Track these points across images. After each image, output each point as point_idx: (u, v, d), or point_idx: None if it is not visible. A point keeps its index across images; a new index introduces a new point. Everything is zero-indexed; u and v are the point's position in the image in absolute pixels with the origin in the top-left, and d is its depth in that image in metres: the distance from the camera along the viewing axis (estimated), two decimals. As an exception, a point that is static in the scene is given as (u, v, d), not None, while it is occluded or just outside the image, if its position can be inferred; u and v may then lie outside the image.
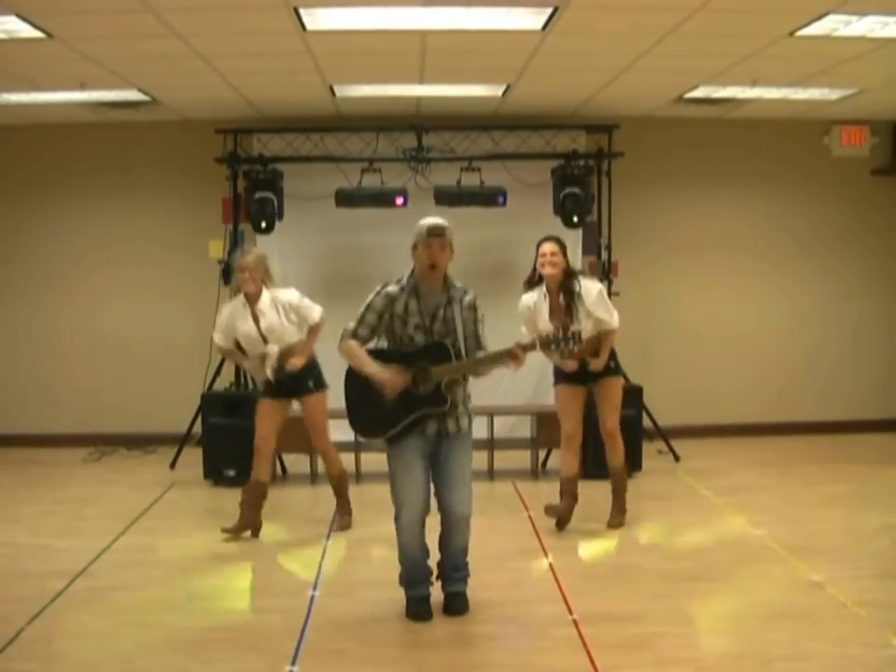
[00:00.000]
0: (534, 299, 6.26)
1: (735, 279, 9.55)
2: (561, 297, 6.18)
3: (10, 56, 6.48)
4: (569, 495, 6.30)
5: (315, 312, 6.30)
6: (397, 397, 4.67)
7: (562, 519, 6.28)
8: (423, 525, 4.78)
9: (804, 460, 8.56)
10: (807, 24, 5.92)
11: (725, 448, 9.03)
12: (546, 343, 4.72)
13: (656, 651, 4.34)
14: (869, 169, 9.58)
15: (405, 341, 4.72)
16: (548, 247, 6.22)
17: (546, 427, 8.14)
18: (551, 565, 5.64)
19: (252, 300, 6.22)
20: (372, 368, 4.70)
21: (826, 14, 5.70)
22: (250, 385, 8.48)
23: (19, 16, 5.57)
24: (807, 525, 6.42)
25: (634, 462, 7.15)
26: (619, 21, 5.98)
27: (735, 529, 6.36)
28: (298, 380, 6.24)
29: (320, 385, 6.38)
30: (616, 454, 6.36)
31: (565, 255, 6.25)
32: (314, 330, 6.32)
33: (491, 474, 7.93)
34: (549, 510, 6.39)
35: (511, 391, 8.89)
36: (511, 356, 4.63)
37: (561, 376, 6.31)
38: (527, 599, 5.08)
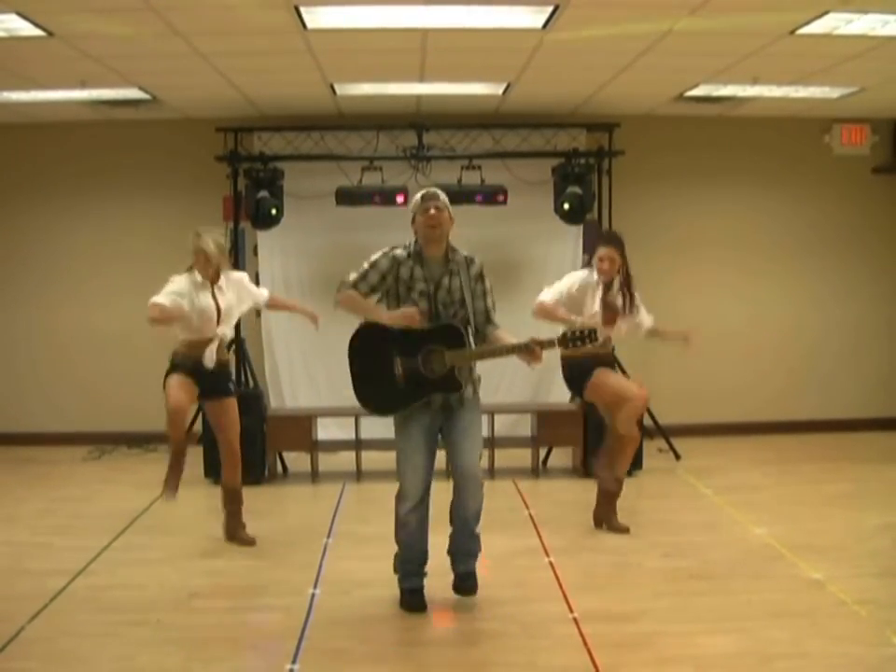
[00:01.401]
0: (591, 279, 6.18)
1: (736, 277, 9.55)
2: (619, 294, 6.19)
3: (11, 54, 6.48)
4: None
5: (261, 291, 6.32)
6: (407, 378, 4.64)
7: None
8: (426, 507, 4.77)
9: (804, 459, 8.57)
10: (808, 23, 5.92)
11: (726, 447, 9.03)
12: (564, 342, 4.68)
13: (657, 650, 4.34)
14: (869, 167, 9.58)
15: (409, 306, 4.69)
16: (604, 252, 6.14)
17: (546, 426, 8.15)
18: (551, 563, 5.64)
19: (211, 280, 5.90)
20: (380, 311, 4.71)
21: (827, 12, 5.70)
22: (250, 383, 8.50)
23: (19, 14, 5.57)
24: (808, 523, 6.42)
25: (634, 461, 7.12)
26: (619, 20, 5.97)
27: (736, 528, 6.36)
28: (220, 380, 5.98)
29: (235, 389, 6.29)
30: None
31: (623, 256, 6.16)
32: (280, 301, 6.45)
33: (492, 473, 7.93)
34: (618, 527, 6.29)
35: (511, 390, 8.90)
36: (528, 351, 4.60)
37: (590, 365, 6.13)
38: (528, 598, 5.08)
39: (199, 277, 5.88)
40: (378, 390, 4.75)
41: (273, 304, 6.39)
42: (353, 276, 4.77)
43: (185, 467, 5.89)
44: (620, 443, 6.18)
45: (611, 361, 6.40)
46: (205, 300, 5.86)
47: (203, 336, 5.83)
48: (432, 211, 4.69)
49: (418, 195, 4.81)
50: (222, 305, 5.90)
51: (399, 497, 4.78)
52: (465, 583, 4.89)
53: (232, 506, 6.11)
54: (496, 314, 4.86)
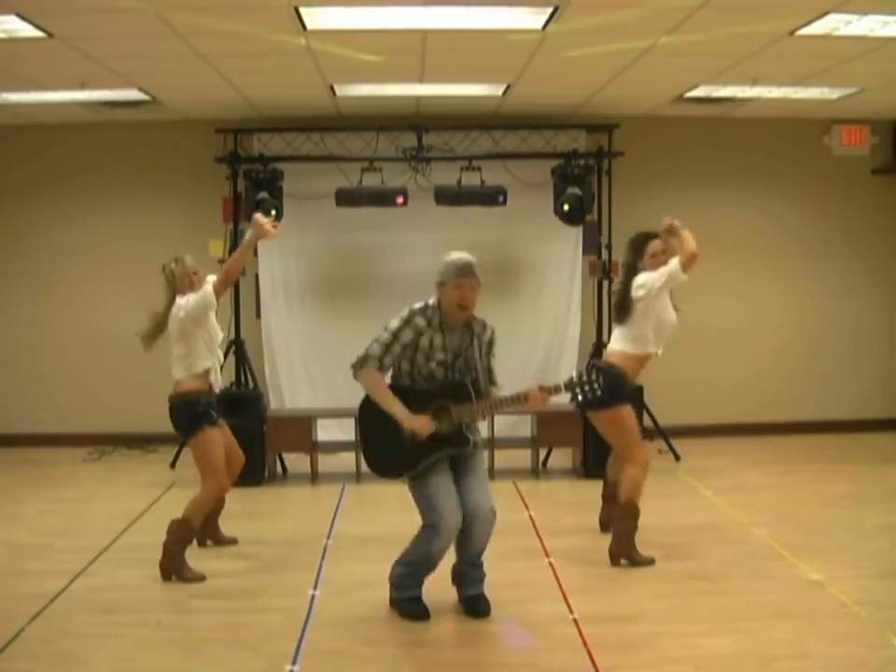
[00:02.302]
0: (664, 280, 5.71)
1: (736, 278, 9.55)
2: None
3: (11, 55, 6.48)
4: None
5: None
6: (417, 438, 4.60)
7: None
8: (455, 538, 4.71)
9: (804, 459, 8.57)
10: (808, 23, 5.92)
11: (726, 447, 9.03)
12: (571, 387, 4.68)
13: (656, 651, 4.34)
14: (869, 168, 9.59)
15: (423, 374, 4.65)
16: (657, 245, 5.85)
17: (546, 427, 8.15)
18: (551, 564, 5.64)
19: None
20: (399, 410, 4.59)
21: (826, 13, 5.70)
22: (250, 384, 8.49)
23: (19, 15, 5.57)
24: (808, 524, 6.42)
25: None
26: (619, 20, 5.97)
27: (736, 529, 6.36)
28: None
29: (191, 428, 5.57)
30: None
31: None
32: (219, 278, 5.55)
33: (491, 474, 7.92)
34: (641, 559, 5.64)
35: (511, 391, 8.87)
36: (528, 399, 4.65)
37: (620, 394, 5.67)
38: (528, 599, 5.08)
39: None
40: (387, 454, 4.69)
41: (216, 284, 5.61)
42: (376, 349, 4.62)
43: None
44: (621, 513, 5.63)
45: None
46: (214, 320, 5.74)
47: (214, 360, 5.68)
48: (467, 292, 4.58)
49: (452, 263, 4.60)
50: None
51: (436, 532, 4.61)
52: (479, 605, 4.78)
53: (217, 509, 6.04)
54: (496, 375, 4.84)
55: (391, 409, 4.61)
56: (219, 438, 5.63)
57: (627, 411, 5.74)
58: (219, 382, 5.74)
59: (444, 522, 4.58)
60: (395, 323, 4.66)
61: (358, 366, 4.66)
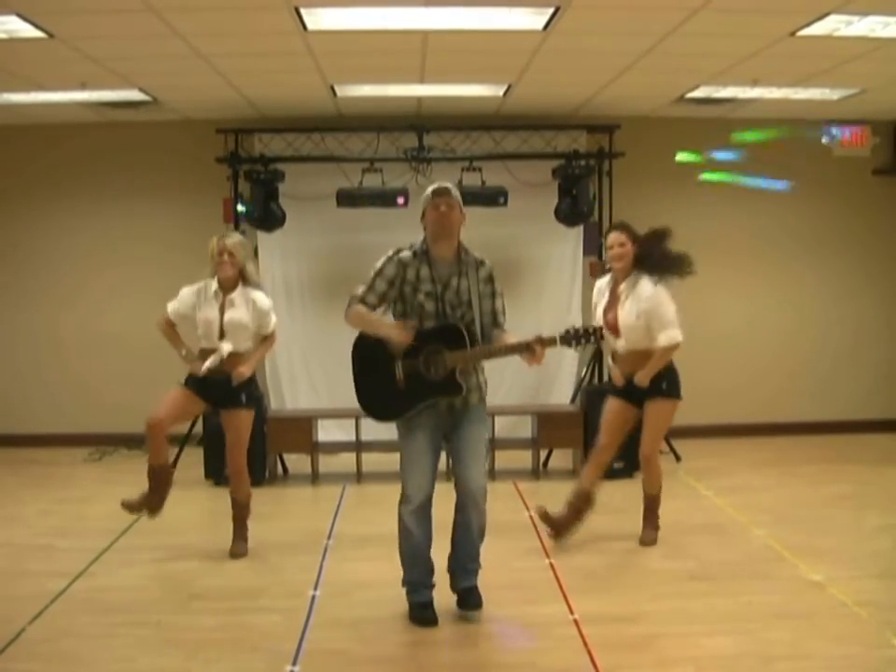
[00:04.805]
0: (601, 287, 5.94)
1: (736, 279, 9.55)
2: (617, 291, 5.80)
3: (11, 56, 6.49)
4: (571, 507, 5.98)
5: (272, 323, 5.92)
6: (409, 381, 4.56)
7: (556, 528, 5.98)
8: (429, 511, 4.68)
9: (804, 460, 8.57)
10: (809, 24, 5.93)
11: (726, 448, 9.03)
12: (566, 340, 4.56)
13: (657, 651, 4.34)
14: (870, 169, 9.59)
15: (415, 308, 4.62)
16: (612, 238, 5.81)
17: (546, 428, 8.15)
18: (552, 564, 5.63)
19: (227, 287, 5.75)
20: (385, 326, 4.60)
21: (827, 14, 5.71)
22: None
23: (20, 16, 5.58)
24: (808, 524, 6.42)
25: (635, 462, 7.12)
26: (620, 21, 5.98)
27: (736, 529, 6.35)
28: (231, 391, 5.74)
29: (252, 401, 5.89)
30: (648, 480, 5.99)
31: (634, 241, 5.77)
32: (268, 342, 5.96)
33: (492, 474, 7.92)
34: (545, 517, 5.98)
35: (512, 391, 8.89)
36: (529, 350, 4.52)
37: (614, 386, 5.95)
38: (528, 599, 5.08)
39: (214, 285, 5.76)
40: (379, 396, 4.67)
41: (266, 342, 5.98)
42: (361, 289, 4.67)
43: (169, 487, 5.83)
44: (654, 504, 6.04)
45: (634, 396, 5.86)
46: (210, 311, 5.75)
47: (211, 346, 5.75)
48: (443, 208, 4.59)
49: (429, 189, 4.66)
50: (226, 319, 5.73)
51: (403, 501, 4.69)
52: (471, 598, 4.75)
53: (233, 514, 6.02)
54: (505, 318, 4.75)
55: (379, 330, 4.60)
56: (175, 392, 5.77)
57: (608, 399, 5.98)
58: (212, 362, 5.71)
59: (407, 491, 4.64)
60: (379, 262, 4.71)
61: (346, 309, 4.68)
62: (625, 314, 5.73)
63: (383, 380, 4.61)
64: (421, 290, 4.62)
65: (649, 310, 5.67)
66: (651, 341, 5.71)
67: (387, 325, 4.64)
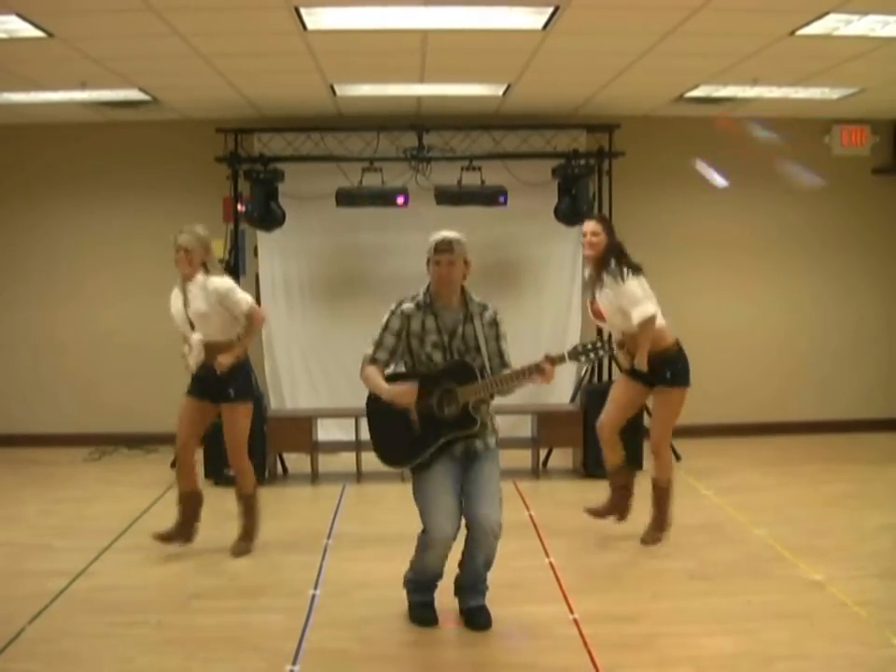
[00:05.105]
0: (587, 276, 6.09)
1: (736, 278, 9.55)
2: (595, 278, 5.90)
3: (11, 55, 6.48)
4: (615, 488, 6.10)
5: (243, 303, 5.71)
6: (423, 423, 4.56)
7: (606, 510, 6.11)
8: (450, 549, 4.62)
9: (804, 460, 8.57)
10: (808, 23, 5.92)
11: (726, 447, 9.03)
12: (575, 355, 4.59)
13: (657, 651, 4.34)
14: (870, 168, 9.59)
15: (423, 360, 4.61)
16: (588, 226, 5.89)
17: (546, 427, 8.16)
18: (552, 564, 5.64)
19: (187, 282, 5.73)
20: (384, 388, 4.57)
21: (827, 13, 5.70)
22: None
23: (19, 15, 5.57)
24: (808, 524, 6.42)
25: (634, 461, 7.13)
26: (620, 21, 5.98)
27: (736, 529, 6.36)
28: (219, 384, 5.73)
29: (243, 394, 5.81)
30: (658, 468, 6.05)
31: (609, 233, 5.84)
32: (248, 326, 5.77)
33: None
34: (590, 510, 6.16)
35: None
36: (539, 370, 4.51)
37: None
38: (528, 599, 5.08)
39: (179, 280, 5.80)
40: (397, 443, 4.65)
41: (247, 326, 5.81)
42: (370, 350, 4.66)
43: (198, 514, 5.91)
44: (665, 494, 6.09)
45: (646, 378, 5.92)
46: (177, 304, 5.78)
47: (185, 338, 5.79)
48: (443, 268, 4.56)
49: (433, 240, 4.61)
50: (190, 311, 5.72)
51: (426, 543, 4.57)
52: (480, 617, 4.69)
53: (240, 508, 6.02)
54: (510, 358, 4.73)
55: (380, 392, 4.59)
56: (184, 406, 5.86)
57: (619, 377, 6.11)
58: (193, 356, 5.74)
59: (431, 534, 4.53)
60: (384, 317, 4.70)
61: (361, 370, 4.69)
62: (603, 299, 5.86)
63: (398, 427, 4.60)
64: (427, 342, 4.61)
65: (617, 293, 5.77)
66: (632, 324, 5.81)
67: (389, 389, 4.58)
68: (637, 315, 5.73)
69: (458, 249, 4.59)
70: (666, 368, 5.83)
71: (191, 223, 5.82)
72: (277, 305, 9.18)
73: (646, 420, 7.59)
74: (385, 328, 4.66)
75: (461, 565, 4.71)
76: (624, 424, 6.12)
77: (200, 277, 5.72)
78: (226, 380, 5.73)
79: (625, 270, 5.77)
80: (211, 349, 5.69)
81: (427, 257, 4.62)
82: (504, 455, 7.91)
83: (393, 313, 4.66)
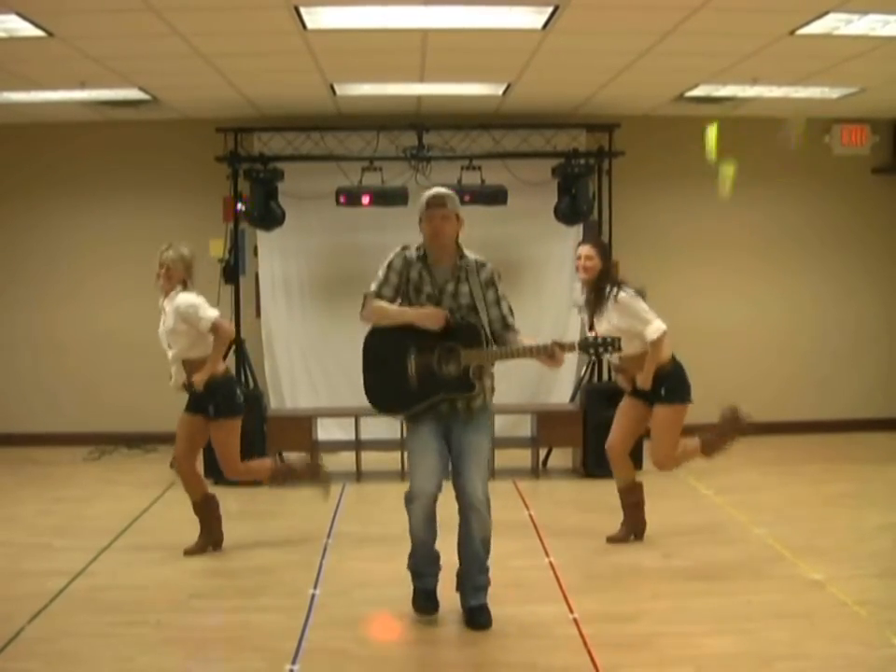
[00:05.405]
0: (580, 299, 6.11)
1: (736, 277, 9.55)
2: (592, 302, 5.92)
3: (11, 55, 6.48)
4: (627, 506, 6.09)
5: (205, 320, 5.66)
6: (420, 376, 4.52)
7: (625, 534, 6.07)
8: (433, 508, 4.60)
9: (804, 459, 8.57)
10: (808, 23, 5.92)
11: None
12: (585, 347, 4.59)
13: (657, 651, 4.34)
14: (870, 167, 9.59)
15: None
16: (582, 250, 5.97)
17: (546, 427, 8.16)
18: (551, 564, 5.64)
19: (165, 296, 5.82)
20: (411, 311, 4.55)
21: (827, 13, 5.70)
22: (250, 384, 8.48)
23: (19, 14, 5.57)
24: (808, 524, 6.42)
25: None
26: (619, 20, 5.97)
27: (736, 529, 6.36)
28: (200, 401, 5.76)
29: (223, 412, 5.78)
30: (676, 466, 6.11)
31: (603, 257, 5.91)
32: (215, 342, 5.73)
33: (492, 473, 7.90)
34: (612, 539, 6.06)
35: (511, 390, 8.87)
36: (549, 353, 4.50)
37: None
38: (528, 598, 5.08)
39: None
40: (388, 390, 4.62)
41: (214, 342, 5.76)
42: (374, 286, 4.65)
43: (218, 517, 5.98)
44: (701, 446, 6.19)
45: (647, 395, 5.92)
46: (160, 322, 5.86)
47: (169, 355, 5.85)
48: (436, 222, 4.55)
49: (424, 197, 4.61)
50: (164, 327, 5.81)
51: (409, 498, 4.61)
52: (480, 617, 4.66)
53: (290, 482, 6.26)
54: (513, 318, 4.72)
55: (404, 316, 4.55)
56: (180, 422, 5.90)
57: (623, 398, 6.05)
58: (173, 373, 5.82)
59: (412, 488, 4.57)
60: (387, 257, 4.70)
61: (361, 308, 4.66)
62: (604, 324, 5.78)
63: (393, 375, 4.56)
64: (423, 292, 4.62)
65: (624, 315, 5.75)
66: (634, 346, 5.75)
67: (416, 310, 4.57)
68: (652, 332, 5.73)
69: (451, 205, 4.58)
70: (661, 385, 5.82)
71: (179, 242, 5.85)
72: (277, 305, 9.18)
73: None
74: (389, 266, 4.66)
75: (459, 551, 4.70)
76: (633, 443, 6.12)
77: (173, 294, 5.78)
78: (206, 397, 5.74)
79: (627, 290, 5.79)
80: (187, 366, 5.77)
81: (420, 214, 4.62)
82: (504, 455, 8.05)
83: (397, 254, 4.67)
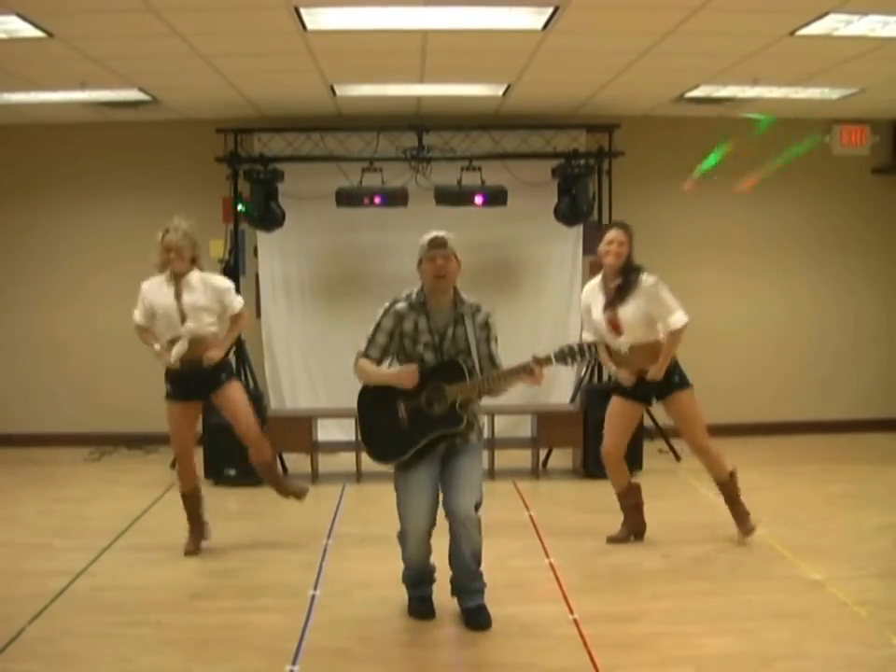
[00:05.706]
0: (592, 289, 5.94)
1: (736, 278, 9.55)
2: (615, 289, 5.76)
3: (11, 55, 6.48)
4: (626, 509, 6.10)
5: (238, 302, 5.97)
6: (412, 419, 4.59)
7: (625, 535, 6.08)
8: (427, 542, 4.68)
9: (804, 460, 8.57)
10: (808, 24, 5.92)
11: (726, 447, 8.84)
12: (561, 357, 4.57)
13: (657, 651, 4.34)
14: (869, 168, 9.59)
15: (415, 360, 4.63)
16: (613, 234, 5.77)
17: (546, 427, 8.16)
18: (551, 564, 5.64)
19: (179, 276, 5.85)
20: (385, 373, 4.66)
21: (827, 13, 5.70)
22: (250, 384, 8.49)
23: (19, 15, 5.57)
24: (808, 524, 6.42)
25: (634, 461, 7.14)
26: (619, 20, 5.98)
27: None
28: (209, 375, 5.83)
29: (232, 372, 6.10)
30: (714, 468, 6.07)
31: (630, 244, 5.77)
32: (235, 322, 6.00)
33: (492, 474, 7.93)
34: (612, 539, 6.08)
35: (511, 390, 8.85)
36: (527, 371, 4.55)
37: (618, 386, 5.97)
38: (528, 599, 5.08)
39: (165, 276, 5.89)
40: (385, 438, 4.67)
41: (234, 322, 6.02)
42: (362, 345, 4.71)
43: (201, 511, 5.97)
44: (727, 490, 6.14)
45: (641, 395, 5.94)
46: (165, 300, 5.85)
47: (176, 334, 5.83)
48: (439, 261, 4.57)
49: (425, 239, 4.63)
50: (185, 302, 5.80)
51: (402, 537, 4.68)
52: (479, 618, 4.69)
53: (269, 479, 6.18)
54: (501, 361, 4.74)
55: (382, 379, 4.65)
56: (174, 413, 5.86)
57: (612, 400, 6.04)
58: (179, 347, 5.81)
59: (404, 525, 4.65)
60: (377, 315, 4.73)
61: (353, 366, 4.73)
62: (630, 309, 5.71)
63: (387, 424, 4.63)
64: (420, 342, 4.65)
65: (650, 300, 5.69)
66: (655, 333, 5.76)
67: (389, 373, 4.68)
68: (676, 322, 5.71)
69: (451, 245, 4.63)
70: (673, 374, 5.84)
71: (174, 219, 5.93)
72: (277, 305, 9.18)
73: (646, 420, 7.63)
74: (378, 327, 4.70)
75: (451, 562, 4.74)
76: (626, 446, 6.08)
77: (196, 272, 5.87)
78: (216, 368, 5.85)
79: (653, 276, 5.74)
80: (195, 343, 5.80)
81: (420, 256, 4.64)
82: (504, 455, 8.06)
83: (386, 311, 4.70)
